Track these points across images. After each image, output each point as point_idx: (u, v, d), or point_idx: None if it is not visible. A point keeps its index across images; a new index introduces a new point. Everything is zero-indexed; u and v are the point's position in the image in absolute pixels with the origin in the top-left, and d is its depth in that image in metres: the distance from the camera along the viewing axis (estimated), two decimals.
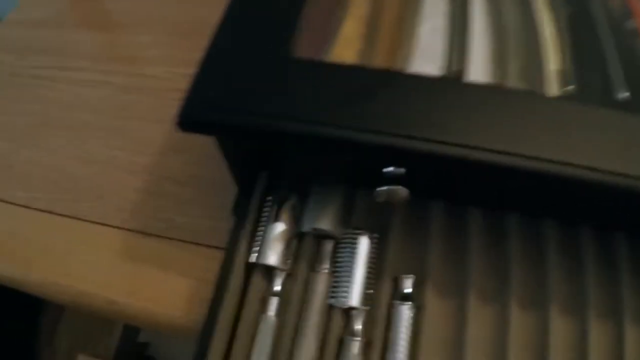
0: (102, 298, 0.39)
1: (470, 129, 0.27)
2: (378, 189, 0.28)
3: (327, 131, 0.27)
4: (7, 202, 0.45)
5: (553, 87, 0.33)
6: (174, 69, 0.51)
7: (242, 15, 0.33)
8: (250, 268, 0.33)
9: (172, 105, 0.47)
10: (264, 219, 0.34)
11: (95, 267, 0.40)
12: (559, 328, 0.31)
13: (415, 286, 0.32)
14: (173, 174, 0.44)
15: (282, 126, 0.27)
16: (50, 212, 0.44)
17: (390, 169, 0.28)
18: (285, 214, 0.33)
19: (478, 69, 0.33)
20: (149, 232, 0.41)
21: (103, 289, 0.40)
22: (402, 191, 0.28)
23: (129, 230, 0.42)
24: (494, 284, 0.32)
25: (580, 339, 0.31)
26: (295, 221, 0.33)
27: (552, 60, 0.35)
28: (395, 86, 0.29)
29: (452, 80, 0.30)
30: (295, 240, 0.33)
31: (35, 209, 0.44)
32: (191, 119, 0.27)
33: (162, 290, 0.38)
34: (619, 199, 0.30)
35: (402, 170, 0.28)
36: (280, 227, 0.32)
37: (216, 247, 0.39)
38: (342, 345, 0.31)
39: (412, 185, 0.31)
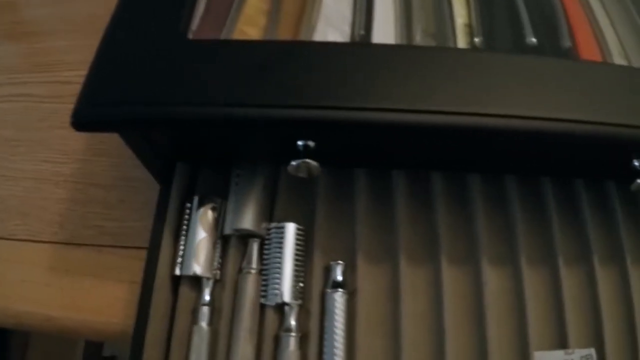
0: (39, 316, 0.38)
1: (375, 92, 0.27)
2: (288, 166, 0.28)
3: (225, 112, 0.26)
4: None
5: (461, 41, 0.33)
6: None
7: (135, 3, 0.32)
8: (177, 279, 0.32)
9: None
10: (185, 222, 0.33)
11: (29, 285, 0.39)
12: (491, 280, 0.31)
13: (345, 271, 0.31)
14: (98, 179, 0.43)
15: (181, 113, 0.26)
16: None
17: (300, 142, 0.27)
18: (205, 218, 0.32)
19: (384, 31, 0.33)
20: (79, 242, 0.40)
21: (38, 307, 0.38)
22: (312, 165, 0.28)
23: (59, 243, 0.41)
24: (423, 251, 0.32)
25: (516, 291, 0.31)
26: (217, 224, 0.32)
27: (460, 14, 0.35)
28: (297, 57, 0.28)
29: (356, 45, 0.29)
30: (220, 244, 0.33)
31: None
32: (84, 118, 0.26)
33: (99, 299, 0.37)
34: (531, 142, 0.30)
35: (311, 143, 0.27)
36: (202, 234, 0.32)
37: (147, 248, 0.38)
38: (278, 342, 0.30)
39: (331, 155, 0.30)
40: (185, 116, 0.26)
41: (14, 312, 0.39)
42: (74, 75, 0.50)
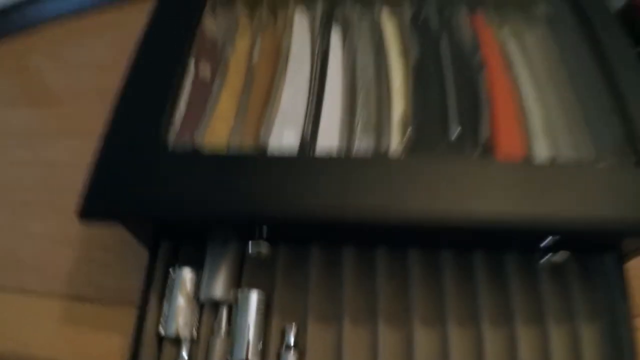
0: None
1: (315, 197, 0.34)
2: (249, 248, 0.35)
3: (199, 211, 0.33)
4: None
5: (395, 135, 0.40)
6: (93, 139, 0.56)
7: (128, 105, 0.39)
8: (161, 338, 0.39)
9: None
10: (167, 290, 0.39)
11: (41, 334, 0.46)
12: (423, 341, 0.38)
13: (297, 333, 0.38)
14: (99, 241, 0.49)
15: (164, 211, 0.34)
16: (1, 290, 0.49)
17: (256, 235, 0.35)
18: (184, 286, 0.39)
19: (329, 128, 0.39)
20: (82, 297, 0.47)
21: (49, 353, 0.45)
22: (265, 247, 0.35)
23: (66, 297, 0.47)
24: (364, 316, 0.38)
25: (444, 351, 0.37)
26: (194, 291, 0.39)
27: (397, 109, 0.41)
28: (254, 168, 0.35)
29: (300, 157, 0.36)
30: (197, 307, 0.39)
31: None
32: (89, 214, 0.33)
33: (100, 348, 0.44)
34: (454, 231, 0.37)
35: (264, 230, 0.34)
36: (180, 300, 0.38)
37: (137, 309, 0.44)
38: None
39: (286, 237, 0.37)
40: (163, 215, 0.33)
41: (27, 357, 0.45)
42: (81, 143, 0.57)
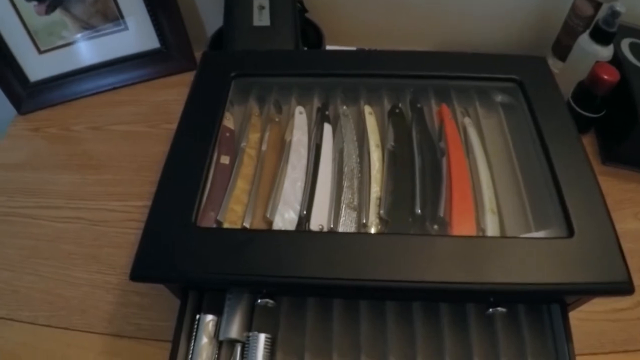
0: None
1: (309, 265, 0.45)
2: (256, 302, 0.47)
3: (219, 277, 0.45)
4: (16, 320, 0.61)
5: (372, 211, 0.51)
6: (128, 202, 0.69)
7: (166, 190, 0.50)
8: None
9: (129, 233, 0.65)
10: (194, 331, 0.50)
11: None
12: None
13: None
14: (136, 288, 0.61)
15: (193, 277, 0.45)
16: (49, 326, 0.60)
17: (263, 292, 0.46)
18: (207, 329, 0.50)
19: (321, 209, 0.51)
20: (122, 335, 0.58)
21: None
22: (270, 302, 0.46)
23: (107, 334, 0.58)
24: (350, 354, 0.49)
25: None
26: (215, 333, 0.50)
27: (374, 189, 0.53)
28: (260, 241, 0.46)
29: (300, 232, 0.48)
30: (217, 346, 0.50)
31: (38, 324, 0.60)
32: (137, 276, 0.44)
33: None
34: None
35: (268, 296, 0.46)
36: (204, 339, 0.49)
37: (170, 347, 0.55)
38: None
39: (286, 292, 0.48)
40: (197, 280, 0.45)
41: None
42: (118, 205, 0.69)
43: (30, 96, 0.82)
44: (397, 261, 0.44)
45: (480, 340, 0.49)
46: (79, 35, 0.80)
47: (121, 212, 0.68)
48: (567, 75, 0.76)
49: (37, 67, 0.81)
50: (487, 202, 0.52)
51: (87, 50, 0.81)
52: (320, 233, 0.47)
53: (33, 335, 0.59)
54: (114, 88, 0.83)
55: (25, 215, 0.70)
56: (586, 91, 0.73)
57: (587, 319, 0.57)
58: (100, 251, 0.65)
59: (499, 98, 0.63)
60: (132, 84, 0.83)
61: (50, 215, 0.70)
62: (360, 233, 0.49)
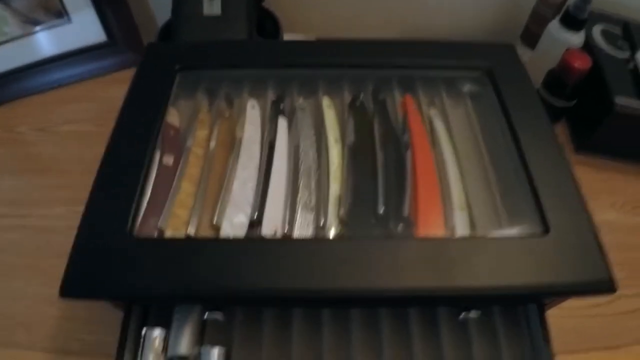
0: None
1: (263, 276, 0.41)
2: (205, 315, 0.42)
3: (160, 292, 0.40)
4: None
5: (331, 211, 0.47)
6: (76, 207, 0.63)
7: (101, 195, 0.46)
8: None
9: None
10: (139, 347, 0.46)
11: None
12: None
13: None
14: (82, 301, 0.56)
15: (133, 293, 0.41)
16: None
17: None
18: (153, 345, 0.45)
19: (274, 212, 0.47)
20: (68, 351, 0.54)
21: None
22: (219, 315, 0.42)
23: (52, 352, 0.54)
24: None
25: None
26: (163, 349, 0.45)
27: (334, 188, 0.49)
28: (206, 251, 0.42)
29: (250, 240, 0.44)
30: None
31: None
32: (69, 294, 0.41)
33: None
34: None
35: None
36: (151, 357, 0.44)
37: None
38: None
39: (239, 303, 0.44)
40: (132, 295, 0.41)
41: None
42: (64, 211, 0.64)
43: None
44: (359, 267, 0.41)
45: (453, 346, 0.46)
46: (20, 31, 0.74)
47: (67, 219, 0.61)
48: (537, 63, 0.74)
49: None
50: (455, 199, 0.49)
51: (29, 47, 0.76)
52: (273, 240, 0.43)
53: None
54: (60, 85, 0.78)
55: None
56: (557, 79, 0.71)
57: (565, 316, 0.54)
58: (44, 262, 0.60)
59: (466, 88, 0.59)
60: (80, 80, 0.79)
61: None
62: (318, 238, 0.45)
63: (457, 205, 0.49)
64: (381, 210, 0.47)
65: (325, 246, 0.43)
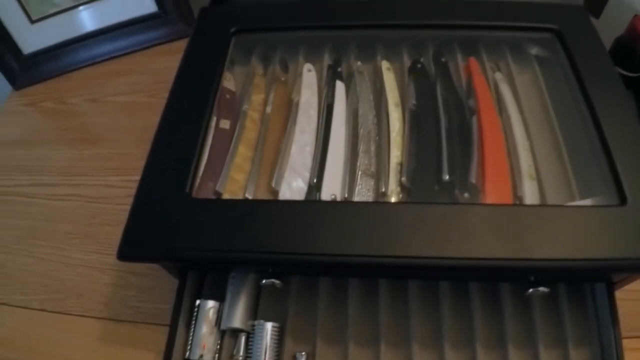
0: None
1: (322, 241, 0.39)
2: (262, 281, 0.41)
3: (219, 255, 0.39)
4: (8, 304, 0.56)
5: (392, 178, 0.45)
6: (127, 176, 0.63)
7: (159, 158, 0.45)
8: None
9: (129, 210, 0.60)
10: (193, 318, 0.45)
11: (81, 350, 0.52)
12: None
13: (307, 358, 0.43)
14: (135, 269, 0.55)
15: (189, 255, 0.40)
16: (43, 310, 0.55)
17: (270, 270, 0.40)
18: (207, 317, 0.44)
19: (333, 176, 0.45)
20: (120, 319, 0.53)
21: None
22: (277, 283, 0.40)
23: (104, 319, 0.53)
24: (367, 341, 0.43)
25: None
26: (217, 320, 0.44)
27: (395, 154, 0.46)
28: (265, 213, 0.40)
29: (310, 202, 0.42)
30: (219, 335, 0.44)
31: (31, 308, 0.56)
32: (126, 256, 0.39)
33: None
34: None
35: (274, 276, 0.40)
36: (204, 328, 0.44)
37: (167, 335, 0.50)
38: None
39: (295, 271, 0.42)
40: (189, 256, 0.40)
41: None
42: (117, 180, 0.64)
43: (25, 70, 0.77)
44: (422, 234, 0.38)
45: (515, 324, 0.43)
46: (71, 2, 0.74)
47: (120, 188, 0.62)
48: (603, 31, 0.68)
49: (30, 38, 0.76)
50: (524, 167, 0.46)
51: (81, 18, 0.75)
52: (333, 203, 0.41)
53: (27, 320, 0.55)
54: (112, 57, 0.78)
55: (20, 194, 0.66)
56: (625, 48, 0.65)
57: (633, 299, 0.49)
58: (98, 230, 0.60)
59: (534, 50, 0.55)
60: (130, 52, 0.78)
61: (46, 193, 0.65)
62: (380, 202, 0.42)
63: (526, 174, 0.46)
64: (446, 176, 0.44)
65: (387, 211, 0.40)
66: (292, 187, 0.43)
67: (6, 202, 0.65)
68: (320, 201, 0.42)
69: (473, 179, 0.44)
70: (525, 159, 0.46)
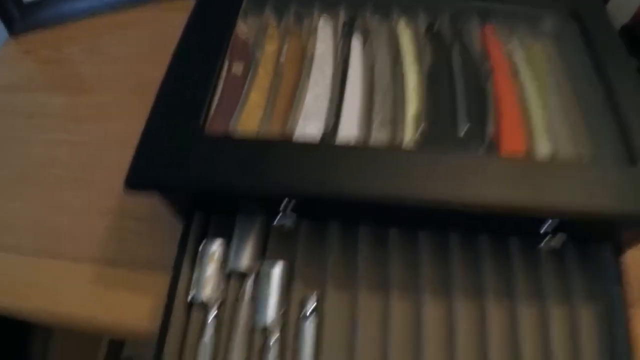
0: (84, 318, 0.49)
1: (336, 182, 0.38)
2: (275, 220, 0.40)
3: (231, 187, 0.38)
4: None
5: (409, 129, 0.45)
6: (127, 124, 0.61)
7: (170, 95, 0.44)
8: (191, 303, 0.43)
9: (127, 155, 0.58)
10: (198, 259, 0.44)
11: (76, 295, 0.50)
12: (430, 314, 0.42)
13: (317, 302, 0.42)
14: (133, 212, 0.54)
15: (202, 186, 0.39)
16: (34, 256, 0.54)
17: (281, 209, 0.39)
18: (213, 257, 0.43)
19: (349, 125, 0.44)
20: (117, 264, 0.52)
21: (84, 311, 0.50)
22: (290, 221, 0.40)
23: (100, 264, 0.52)
24: (376, 288, 0.43)
25: (449, 324, 0.42)
26: (223, 262, 0.44)
27: (411, 106, 0.46)
28: (280, 152, 0.40)
29: (325, 144, 0.41)
30: (224, 276, 0.43)
31: (21, 254, 0.54)
32: (133, 183, 0.38)
33: (132, 307, 0.48)
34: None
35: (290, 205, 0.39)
36: (209, 270, 0.43)
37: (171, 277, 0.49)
38: (262, 356, 0.41)
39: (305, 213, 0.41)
40: (198, 189, 0.39)
41: (66, 315, 0.50)
42: (115, 127, 0.62)
43: (23, 17, 0.74)
44: (437, 182, 0.38)
45: (523, 278, 0.44)
46: None
47: (118, 134, 0.60)
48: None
49: None
50: (538, 124, 0.46)
51: None
52: (348, 147, 0.41)
53: (16, 266, 0.53)
54: (113, 9, 0.75)
55: (14, 138, 0.63)
56: (631, 35, 0.66)
57: None
58: (93, 175, 0.58)
59: (548, 26, 0.56)
60: (134, 5, 0.76)
61: (41, 139, 0.63)
62: (397, 148, 0.42)
63: (540, 131, 0.46)
64: (463, 130, 0.44)
65: (404, 157, 0.40)
66: (307, 132, 0.43)
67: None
68: (335, 145, 0.41)
69: (489, 133, 0.44)
70: (539, 117, 0.47)
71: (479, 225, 0.44)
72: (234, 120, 0.43)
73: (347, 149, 0.41)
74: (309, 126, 0.43)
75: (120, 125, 0.62)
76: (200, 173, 0.38)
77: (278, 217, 0.40)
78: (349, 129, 0.43)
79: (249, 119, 0.43)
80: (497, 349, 0.41)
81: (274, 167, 0.38)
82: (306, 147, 0.40)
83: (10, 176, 0.60)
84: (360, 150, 0.40)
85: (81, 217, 0.55)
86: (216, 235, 0.45)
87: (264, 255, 0.44)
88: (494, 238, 0.45)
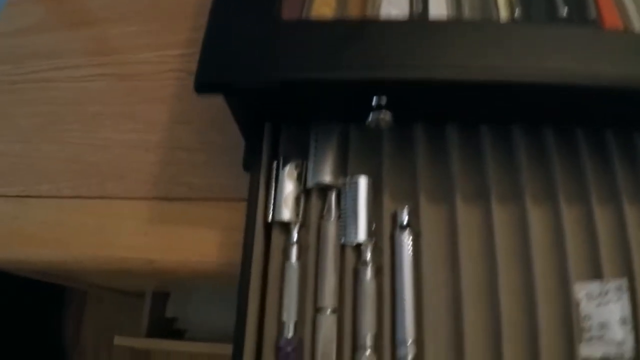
0: (141, 260, 0.45)
1: (434, 56, 0.33)
2: (369, 117, 0.34)
3: (317, 75, 0.32)
4: (35, 196, 0.49)
5: (503, 12, 0.39)
6: (164, 51, 0.55)
7: None
8: (270, 225, 0.38)
9: (169, 84, 0.53)
10: (274, 177, 0.39)
11: (128, 235, 0.46)
12: (536, 220, 0.37)
13: (410, 215, 0.37)
14: (183, 143, 0.49)
15: (282, 77, 0.33)
16: (77, 197, 0.49)
17: (375, 99, 0.34)
18: (291, 173, 0.38)
19: (437, 7, 0.38)
20: (172, 197, 0.47)
21: (140, 252, 0.45)
22: (387, 115, 0.34)
23: (153, 199, 0.47)
24: (475, 196, 0.38)
25: (556, 228, 0.37)
26: (301, 178, 0.39)
27: None
28: (367, 31, 0.34)
29: (413, 21, 0.35)
30: (304, 194, 0.38)
31: (63, 197, 0.49)
32: (205, 82, 0.32)
33: (193, 243, 0.44)
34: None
35: (384, 98, 0.34)
36: (289, 187, 0.38)
37: (233, 199, 0.44)
38: (356, 275, 0.36)
39: (396, 110, 0.36)
40: (286, 79, 0.33)
41: (119, 258, 0.45)
42: (151, 56, 0.56)
43: None
44: (537, 54, 0.33)
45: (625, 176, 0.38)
46: None
47: (155, 63, 0.55)
48: None
49: None
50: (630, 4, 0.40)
51: None
52: (440, 21, 0.35)
53: (57, 211, 0.48)
54: None
55: (38, 80, 0.58)
56: None
57: None
58: (134, 108, 0.53)
59: None
60: None
61: (69, 76, 0.57)
62: (492, 21, 0.36)
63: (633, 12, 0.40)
64: (562, 11, 0.38)
65: (498, 29, 0.35)
66: (392, 14, 0.37)
67: (22, 90, 0.57)
68: (427, 20, 0.35)
69: (592, 14, 0.38)
70: None
71: (577, 115, 0.38)
72: (307, 6, 0.37)
73: (439, 24, 0.35)
74: (394, 9, 0.36)
75: (157, 53, 0.56)
76: (277, 63, 0.32)
77: (371, 115, 0.34)
78: (439, 7, 0.37)
79: (324, 4, 0.37)
80: (607, 254, 0.36)
81: (362, 51, 0.33)
82: (393, 26, 0.35)
83: (41, 120, 0.54)
84: (453, 25, 0.34)
85: (126, 153, 0.51)
86: (290, 149, 0.39)
87: (345, 169, 0.39)
88: (590, 132, 0.40)
